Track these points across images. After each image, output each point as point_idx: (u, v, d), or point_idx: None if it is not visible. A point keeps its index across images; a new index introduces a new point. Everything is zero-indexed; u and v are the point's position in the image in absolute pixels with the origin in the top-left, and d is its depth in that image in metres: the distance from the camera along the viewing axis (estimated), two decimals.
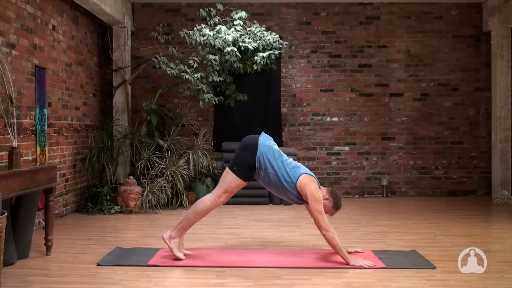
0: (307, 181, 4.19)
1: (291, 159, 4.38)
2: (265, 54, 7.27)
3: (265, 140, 4.28)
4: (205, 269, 4.02)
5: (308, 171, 4.31)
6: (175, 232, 4.28)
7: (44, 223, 4.69)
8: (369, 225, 5.88)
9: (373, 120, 8.24)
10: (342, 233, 5.22)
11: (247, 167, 4.23)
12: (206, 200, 4.29)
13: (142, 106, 7.46)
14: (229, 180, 4.23)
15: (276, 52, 7.41)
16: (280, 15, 8.21)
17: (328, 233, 4.10)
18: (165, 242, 4.28)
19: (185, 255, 4.29)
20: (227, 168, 4.28)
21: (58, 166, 6.07)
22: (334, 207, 4.32)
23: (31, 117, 5.51)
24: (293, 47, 8.22)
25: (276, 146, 4.34)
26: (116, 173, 7.35)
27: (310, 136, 8.24)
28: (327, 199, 4.27)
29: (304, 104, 8.24)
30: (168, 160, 7.07)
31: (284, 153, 4.42)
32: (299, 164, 4.39)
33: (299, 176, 4.20)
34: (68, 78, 6.58)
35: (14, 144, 4.47)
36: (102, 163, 7.06)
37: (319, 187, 4.27)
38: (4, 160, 4.73)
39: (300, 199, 4.26)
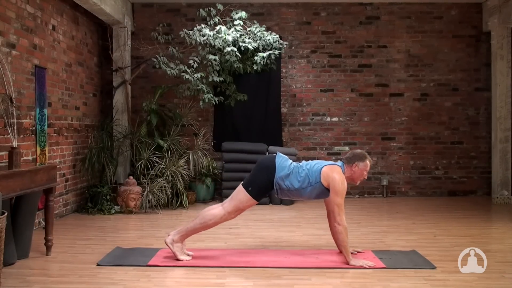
0: (329, 171, 4.20)
1: (308, 162, 4.35)
2: (265, 54, 7.28)
3: (282, 162, 4.27)
4: (205, 269, 4.02)
5: (326, 162, 4.31)
6: (178, 237, 4.27)
7: (44, 223, 4.69)
8: (369, 225, 5.88)
9: (373, 120, 8.24)
10: None
11: (263, 188, 4.27)
12: (217, 213, 4.27)
13: (142, 106, 7.46)
14: (242, 198, 4.24)
15: (276, 52, 7.42)
16: (280, 15, 8.21)
17: (340, 227, 4.15)
18: (168, 246, 4.27)
19: (188, 255, 4.29)
20: (241, 186, 4.28)
21: (58, 166, 6.07)
22: (364, 162, 4.29)
23: (31, 117, 5.51)
24: (293, 47, 8.21)
25: (292, 164, 4.31)
26: (116, 173, 7.35)
27: (310, 136, 8.24)
28: (352, 171, 4.27)
29: (304, 104, 8.24)
30: (168, 160, 7.07)
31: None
32: (315, 161, 4.35)
33: (320, 172, 4.19)
34: (68, 78, 6.58)
35: (14, 144, 4.46)
36: (102, 163, 7.06)
37: (342, 171, 4.25)
38: (4, 160, 4.73)
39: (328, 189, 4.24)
